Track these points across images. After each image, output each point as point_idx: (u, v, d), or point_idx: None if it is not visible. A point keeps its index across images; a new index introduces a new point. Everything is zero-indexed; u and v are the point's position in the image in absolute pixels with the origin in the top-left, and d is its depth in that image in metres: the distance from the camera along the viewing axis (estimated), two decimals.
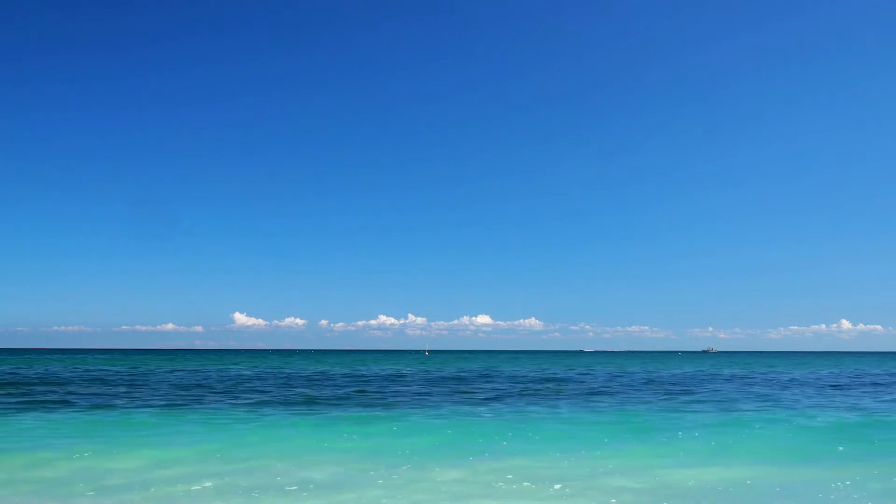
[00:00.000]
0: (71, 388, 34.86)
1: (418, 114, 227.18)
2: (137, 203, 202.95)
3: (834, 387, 40.28)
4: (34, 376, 46.33)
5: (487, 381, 43.64)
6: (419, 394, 32.53)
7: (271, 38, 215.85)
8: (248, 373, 55.15)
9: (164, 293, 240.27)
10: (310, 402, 28.32)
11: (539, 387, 38.33)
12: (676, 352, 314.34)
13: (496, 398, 30.24)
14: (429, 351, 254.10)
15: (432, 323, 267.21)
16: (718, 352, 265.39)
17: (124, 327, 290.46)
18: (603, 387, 38.87)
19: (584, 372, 60.70)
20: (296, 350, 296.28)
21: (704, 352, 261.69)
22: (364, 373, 56.98)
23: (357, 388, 36.23)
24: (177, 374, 52.79)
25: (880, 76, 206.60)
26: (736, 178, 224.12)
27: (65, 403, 26.49)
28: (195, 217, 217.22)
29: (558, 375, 52.97)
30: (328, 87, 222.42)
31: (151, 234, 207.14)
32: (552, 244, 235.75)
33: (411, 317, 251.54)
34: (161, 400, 28.58)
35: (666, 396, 31.68)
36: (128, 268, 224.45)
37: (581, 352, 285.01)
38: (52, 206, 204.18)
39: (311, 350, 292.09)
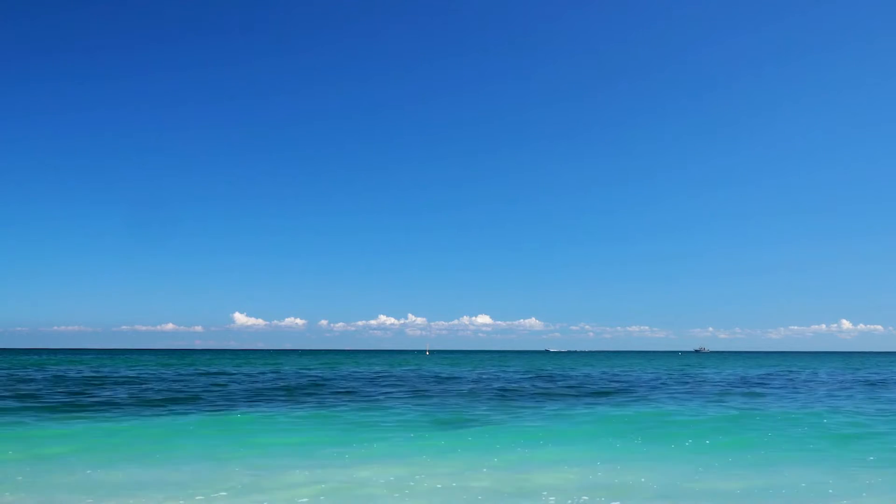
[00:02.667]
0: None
1: (418, 114, 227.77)
2: (137, 203, 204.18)
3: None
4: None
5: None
6: None
7: (271, 39, 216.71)
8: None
9: (164, 293, 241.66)
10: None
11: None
12: (677, 351, 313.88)
13: None
14: (429, 351, 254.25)
15: (432, 323, 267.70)
16: (711, 352, 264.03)
17: (124, 327, 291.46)
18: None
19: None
20: (300, 350, 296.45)
21: (696, 351, 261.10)
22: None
23: None
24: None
25: (880, 76, 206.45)
26: (736, 178, 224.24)
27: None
28: (195, 217, 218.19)
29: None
30: (328, 87, 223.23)
31: (151, 234, 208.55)
32: (552, 244, 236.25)
33: (411, 317, 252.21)
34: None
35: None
36: (128, 268, 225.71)
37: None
38: (52, 206, 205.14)
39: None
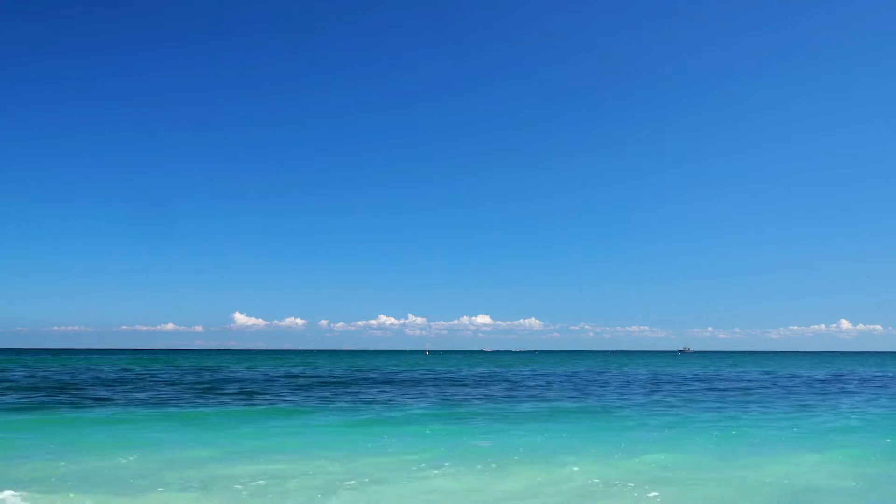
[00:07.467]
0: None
1: (418, 114, 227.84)
2: (137, 203, 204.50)
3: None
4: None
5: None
6: None
7: (271, 39, 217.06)
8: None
9: (164, 293, 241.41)
10: None
11: None
12: (675, 351, 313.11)
13: None
14: (429, 351, 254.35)
15: (432, 323, 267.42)
16: (694, 352, 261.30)
17: (124, 327, 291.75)
18: None
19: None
20: (301, 349, 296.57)
21: (681, 351, 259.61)
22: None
23: None
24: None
25: (880, 76, 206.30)
26: (735, 178, 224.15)
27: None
28: (195, 217, 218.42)
29: None
30: (328, 86, 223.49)
31: (152, 234, 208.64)
32: (552, 244, 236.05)
33: (411, 317, 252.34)
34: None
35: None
36: (128, 268, 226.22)
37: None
38: (52, 206, 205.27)
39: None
